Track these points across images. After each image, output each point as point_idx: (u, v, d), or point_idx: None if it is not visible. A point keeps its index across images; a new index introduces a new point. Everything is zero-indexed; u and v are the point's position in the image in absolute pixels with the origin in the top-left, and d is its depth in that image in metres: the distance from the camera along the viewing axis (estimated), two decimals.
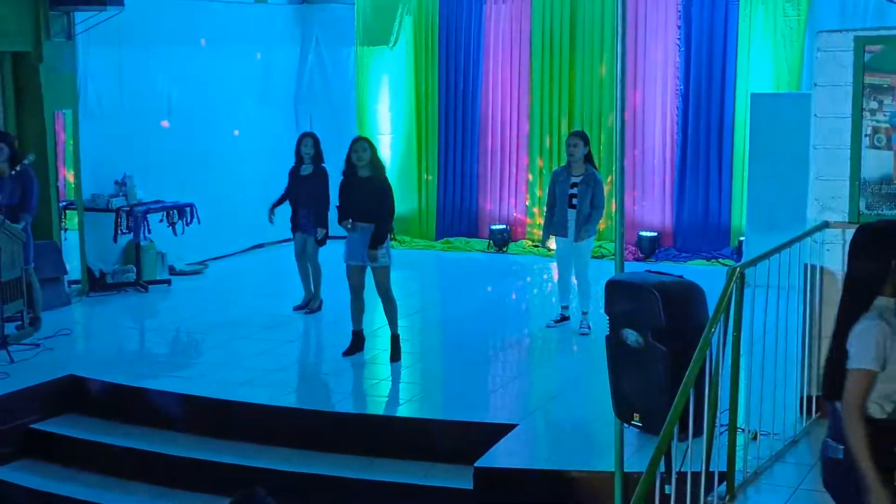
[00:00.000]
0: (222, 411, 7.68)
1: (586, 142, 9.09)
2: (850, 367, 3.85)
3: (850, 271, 3.98)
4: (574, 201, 9.01)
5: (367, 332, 8.77)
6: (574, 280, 9.27)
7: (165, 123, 11.79)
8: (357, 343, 8.63)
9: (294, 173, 9.98)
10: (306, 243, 9.91)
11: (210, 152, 12.22)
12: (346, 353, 8.58)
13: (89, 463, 7.66)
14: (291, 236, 10.10)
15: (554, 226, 9.22)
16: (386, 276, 8.34)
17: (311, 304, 10.02)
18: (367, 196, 8.22)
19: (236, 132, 12.74)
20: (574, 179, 9.02)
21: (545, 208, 9.43)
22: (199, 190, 11.65)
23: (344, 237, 8.54)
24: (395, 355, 8.49)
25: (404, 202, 13.38)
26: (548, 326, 9.38)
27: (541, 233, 12.50)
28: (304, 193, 9.85)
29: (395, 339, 8.53)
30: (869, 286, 3.90)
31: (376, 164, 8.34)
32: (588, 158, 9.09)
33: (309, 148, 9.90)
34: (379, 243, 8.18)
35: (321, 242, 9.80)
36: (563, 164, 9.42)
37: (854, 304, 3.93)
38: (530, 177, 13.00)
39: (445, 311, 10.59)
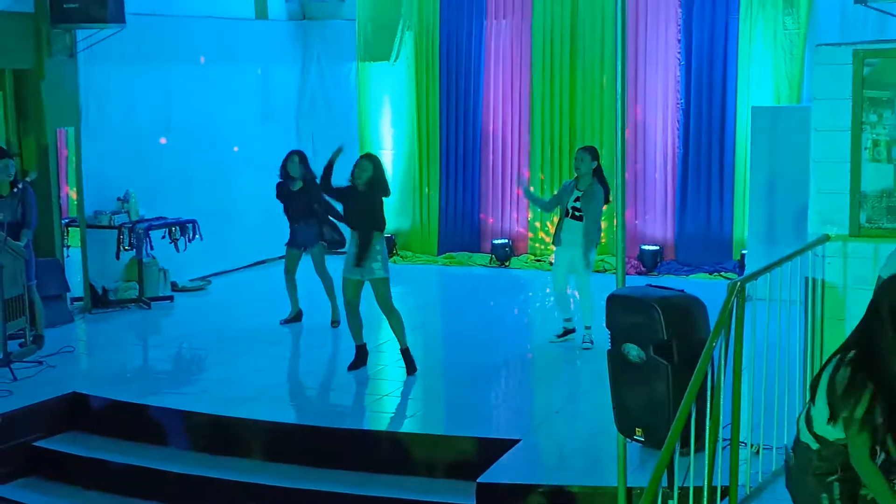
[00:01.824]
0: (225, 428, 7.68)
1: (594, 156, 9.06)
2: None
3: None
4: (577, 214, 9.03)
5: (370, 346, 8.78)
6: (576, 294, 9.28)
7: (163, 140, 11.80)
8: (361, 357, 8.64)
9: (285, 191, 9.99)
10: (301, 259, 9.95)
11: (212, 168, 12.24)
12: (351, 368, 8.60)
13: (92, 480, 7.65)
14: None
15: (554, 235, 9.26)
16: (385, 289, 8.37)
17: (325, 316, 10.03)
18: (359, 209, 8.37)
19: (236, 148, 12.73)
20: (577, 193, 9.04)
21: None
22: (202, 206, 11.67)
23: (344, 252, 8.61)
24: (410, 368, 8.52)
25: (406, 217, 13.41)
26: (552, 342, 9.37)
27: (542, 246, 12.63)
28: (298, 209, 9.90)
29: (405, 353, 8.55)
30: None
31: (374, 182, 8.40)
32: (596, 172, 9.05)
33: (296, 166, 9.93)
34: (365, 252, 8.29)
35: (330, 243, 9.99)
36: (571, 177, 9.48)
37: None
38: (532, 190, 12.99)
39: (448, 326, 10.58)
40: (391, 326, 8.53)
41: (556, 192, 9.33)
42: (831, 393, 3.92)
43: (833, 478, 4.03)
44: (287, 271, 10.06)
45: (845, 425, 3.90)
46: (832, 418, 3.91)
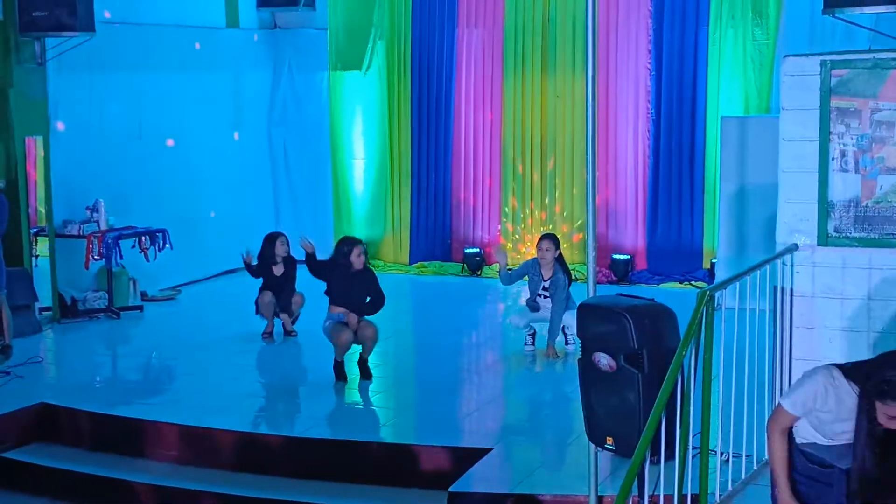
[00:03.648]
0: (194, 438, 7.63)
1: (557, 245, 9.35)
2: (781, 398, 4.22)
3: None
4: (545, 296, 9.25)
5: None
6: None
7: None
8: (342, 372, 8.67)
9: (267, 272, 9.92)
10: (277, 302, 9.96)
11: (182, 177, 12.18)
12: (340, 379, 8.63)
13: (60, 492, 7.57)
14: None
15: (529, 307, 9.38)
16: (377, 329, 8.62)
17: (281, 329, 10.01)
18: (362, 290, 8.56)
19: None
20: (544, 283, 9.26)
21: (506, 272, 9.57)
22: (172, 215, 11.61)
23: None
24: (367, 374, 8.64)
25: (377, 227, 13.41)
26: (526, 348, 9.39)
27: (517, 260, 12.63)
28: (278, 288, 9.91)
29: (366, 363, 8.66)
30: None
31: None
32: (559, 259, 9.29)
33: (286, 246, 9.91)
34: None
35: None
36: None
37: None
38: (503, 200, 13.03)
39: (420, 335, 10.57)
40: (368, 344, 8.61)
41: (517, 270, 9.59)
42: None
43: None
44: (263, 310, 9.95)
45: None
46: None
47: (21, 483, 7.70)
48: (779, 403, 4.22)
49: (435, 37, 13.11)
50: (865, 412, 3.91)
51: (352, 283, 8.56)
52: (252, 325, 10.12)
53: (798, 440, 4.16)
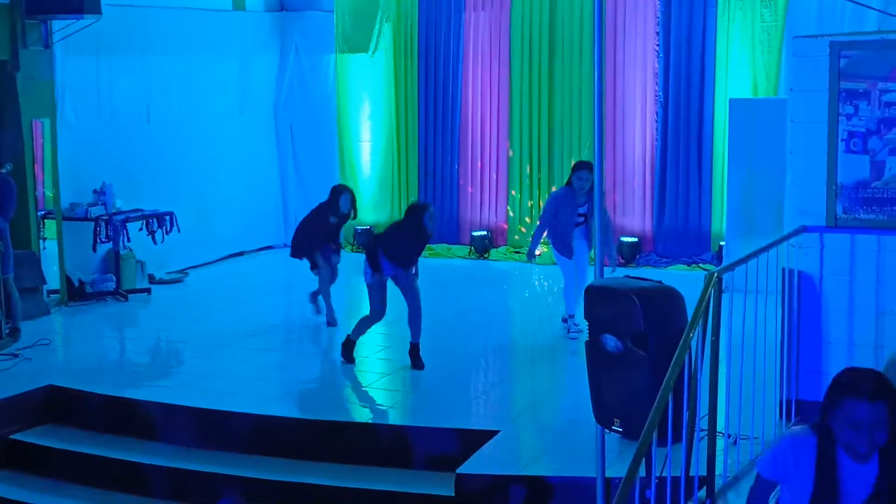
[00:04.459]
0: (204, 420, 7.66)
1: (592, 172, 9.24)
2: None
3: None
4: (580, 220, 9.22)
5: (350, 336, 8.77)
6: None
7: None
8: (352, 353, 8.67)
9: (325, 221, 9.91)
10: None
11: (189, 160, 12.18)
12: (349, 361, 8.62)
13: (69, 474, 7.62)
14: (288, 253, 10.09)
15: (561, 247, 9.26)
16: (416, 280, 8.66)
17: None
18: (421, 248, 8.69)
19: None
20: (581, 210, 9.19)
21: (538, 222, 9.37)
22: (179, 198, 11.62)
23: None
24: (418, 363, 8.52)
25: (384, 209, 13.40)
26: (571, 338, 9.26)
27: (524, 242, 12.59)
28: (333, 237, 9.97)
29: (415, 348, 8.56)
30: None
31: None
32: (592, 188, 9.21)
33: (349, 205, 9.89)
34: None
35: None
36: (562, 184, 9.55)
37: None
38: (510, 183, 13.01)
39: (427, 318, 10.54)
40: (413, 318, 8.58)
41: (552, 206, 9.35)
42: None
43: None
44: (328, 282, 9.92)
45: None
46: None
47: (29, 465, 7.73)
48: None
49: (442, 19, 13.08)
50: (825, 433, 3.56)
51: (416, 244, 8.55)
52: (260, 307, 10.13)
53: None
